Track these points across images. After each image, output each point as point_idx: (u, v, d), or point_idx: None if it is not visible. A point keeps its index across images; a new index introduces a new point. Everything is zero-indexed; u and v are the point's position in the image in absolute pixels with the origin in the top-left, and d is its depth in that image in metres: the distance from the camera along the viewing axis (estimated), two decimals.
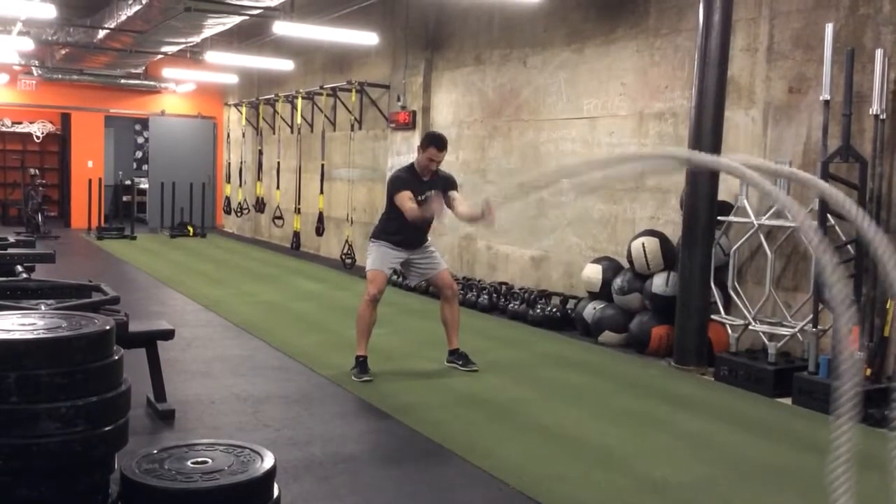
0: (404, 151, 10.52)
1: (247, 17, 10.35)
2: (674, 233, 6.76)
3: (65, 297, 4.18)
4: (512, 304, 8.07)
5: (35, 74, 16.30)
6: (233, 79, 15.76)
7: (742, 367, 5.66)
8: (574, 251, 8.15)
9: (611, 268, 7.15)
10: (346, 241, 11.27)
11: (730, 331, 6.02)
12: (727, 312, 6.19)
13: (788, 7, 6.16)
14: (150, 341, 4.67)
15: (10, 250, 5.81)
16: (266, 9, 9.40)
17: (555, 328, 7.50)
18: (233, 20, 10.30)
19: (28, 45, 12.81)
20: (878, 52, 5.28)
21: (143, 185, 17.99)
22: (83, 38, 12.44)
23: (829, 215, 5.34)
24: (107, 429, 2.51)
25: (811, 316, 5.46)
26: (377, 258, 5.69)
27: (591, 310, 7.12)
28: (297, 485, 3.69)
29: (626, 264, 7.00)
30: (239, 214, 15.61)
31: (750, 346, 6.00)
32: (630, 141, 7.55)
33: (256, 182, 14.75)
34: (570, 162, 6.34)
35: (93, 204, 15.59)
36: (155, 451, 2.63)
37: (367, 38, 10.31)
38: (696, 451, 4.39)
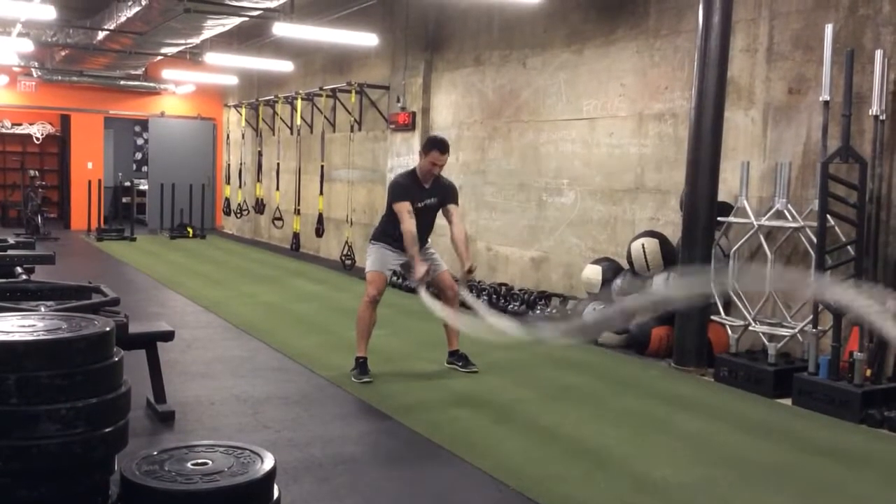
0: (404, 153, 10.52)
1: (246, 19, 10.35)
2: (674, 234, 6.77)
3: (65, 298, 4.18)
4: (512, 306, 8.07)
5: (35, 76, 16.31)
6: (232, 80, 15.76)
7: (742, 367, 5.66)
8: (574, 252, 8.15)
9: (611, 269, 7.15)
10: (346, 242, 11.27)
11: (730, 331, 6.02)
12: (727, 313, 6.18)
13: (788, 8, 6.16)
14: (149, 343, 4.67)
15: (10, 252, 5.80)
16: (266, 10, 9.40)
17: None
18: (232, 21, 10.30)
19: (28, 46, 12.83)
20: (878, 53, 5.28)
21: (143, 186, 17.99)
22: (83, 39, 12.44)
23: (829, 216, 5.34)
24: (107, 430, 2.51)
25: (811, 317, 5.46)
26: (377, 260, 5.69)
27: (591, 310, 7.11)
28: (297, 486, 3.69)
29: (626, 265, 7.00)
30: (238, 216, 15.61)
31: (750, 347, 6.00)
32: (630, 141, 7.55)
33: (256, 183, 14.74)
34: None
35: (92, 205, 15.59)
36: (155, 453, 2.63)
37: (366, 39, 10.31)
38: (696, 452, 4.39)
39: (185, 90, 17.56)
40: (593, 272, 7.22)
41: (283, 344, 6.60)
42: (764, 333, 5.79)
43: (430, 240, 5.90)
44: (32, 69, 16.00)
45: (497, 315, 5.15)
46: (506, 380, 5.73)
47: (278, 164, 13.87)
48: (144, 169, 18.69)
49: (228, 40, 13.97)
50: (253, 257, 13.06)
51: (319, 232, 12.00)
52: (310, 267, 11.91)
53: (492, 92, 9.42)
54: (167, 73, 15.30)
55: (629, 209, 7.54)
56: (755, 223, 5.89)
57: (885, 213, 5.44)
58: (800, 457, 4.37)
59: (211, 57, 12.70)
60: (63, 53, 13.78)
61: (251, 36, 13.52)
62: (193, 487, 2.44)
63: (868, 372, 5.14)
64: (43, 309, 3.59)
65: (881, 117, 5.30)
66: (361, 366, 5.58)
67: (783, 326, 5.82)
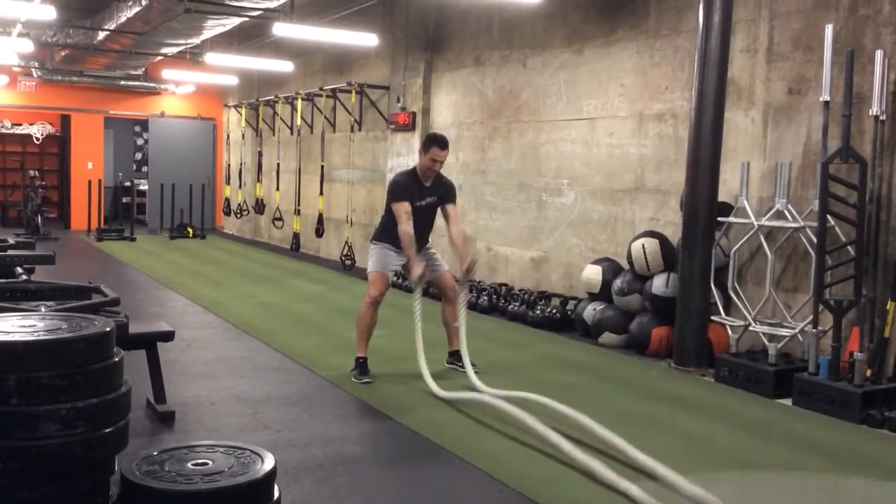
0: (404, 153, 10.52)
1: (246, 19, 10.36)
2: (674, 234, 6.76)
3: (65, 298, 4.18)
4: (512, 306, 8.07)
5: (35, 76, 16.31)
6: (232, 80, 15.77)
7: (742, 368, 5.66)
8: (574, 252, 8.15)
9: (611, 269, 7.15)
10: (346, 242, 11.27)
11: (730, 332, 6.02)
12: (727, 313, 6.19)
13: (788, 8, 6.16)
14: (150, 343, 4.67)
15: (10, 252, 5.80)
16: (266, 10, 9.40)
17: (555, 329, 7.50)
18: (232, 21, 10.31)
19: (28, 46, 12.83)
20: (878, 54, 5.28)
21: (143, 186, 17.99)
22: (83, 39, 12.44)
23: (829, 216, 5.34)
24: (107, 430, 2.51)
25: (811, 317, 5.46)
26: (378, 260, 5.69)
27: (591, 311, 7.12)
28: (298, 486, 3.69)
29: (626, 265, 7.00)
30: (238, 216, 15.61)
31: (750, 347, 6.00)
32: (630, 142, 7.55)
33: (256, 183, 14.75)
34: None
35: (92, 205, 15.59)
36: (155, 453, 2.63)
37: (366, 39, 10.31)
38: (697, 452, 4.39)
39: (185, 90, 17.57)
40: (593, 272, 7.21)
41: (283, 344, 6.60)
42: (764, 334, 5.79)
43: (430, 239, 5.90)
44: (32, 69, 16.00)
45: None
46: (506, 380, 5.72)
47: (278, 164, 13.87)
48: (144, 169, 18.69)
49: (228, 40, 13.97)
50: (253, 257, 13.06)
51: (319, 232, 12.00)
52: (310, 267, 11.91)
53: (492, 92, 9.42)
54: (167, 74, 15.30)
55: (629, 209, 7.54)
56: (755, 223, 5.89)
57: (886, 214, 5.44)
58: (800, 457, 4.37)
59: (211, 57, 12.70)
60: (63, 53, 13.78)
61: (251, 36, 13.53)
62: (194, 488, 2.44)
63: (868, 372, 5.14)
64: (43, 309, 3.59)
65: (881, 117, 5.30)
66: (362, 366, 5.58)
67: (783, 327, 5.82)
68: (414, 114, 10.47)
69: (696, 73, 6.08)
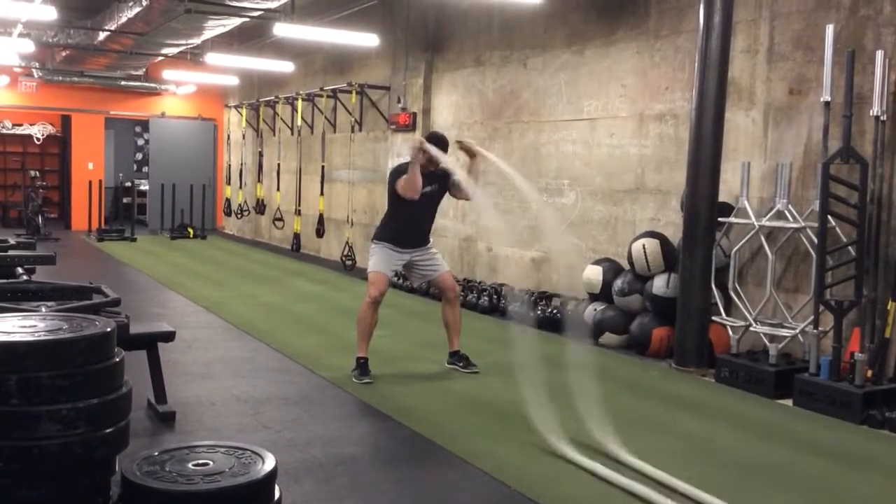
0: (405, 153, 10.51)
1: (247, 19, 10.36)
2: (674, 234, 6.76)
3: (65, 299, 4.18)
4: (512, 306, 8.06)
5: (35, 76, 16.31)
6: (233, 80, 15.77)
7: (743, 368, 5.66)
8: (574, 253, 8.15)
9: (611, 269, 7.15)
10: (347, 242, 11.27)
11: (730, 332, 6.02)
12: (728, 314, 6.18)
13: (789, 8, 6.16)
14: (150, 343, 4.67)
15: (11, 252, 5.80)
16: (266, 10, 9.40)
17: (555, 330, 7.49)
18: (233, 22, 10.31)
19: (29, 46, 12.83)
20: (879, 54, 5.28)
21: (144, 186, 18.00)
22: (84, 39, 12.45)
23: (830, 216, 5.34)
24: (108, 431, 2.51)
25: (812, 317, 5.46)
26: (379, 260, 5.69)
27: (591, 311, 7.11)
28: (298, 486, 3.69)
29: (626, 266, 7.00)
30: (239, 216, 15.61)
31: (751, 348, 6.00)
32: (630, 142, 7.55)
33: (257, 184, 14.75)
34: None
35: (93, 206, 15.60)
36: (156, 453, 2.63)
37: (367, 39, 10.32)
38: (697, 453, 4.39)
39: (185, 91, 17.57)
40: (594, 272, 7.21)
41: (284, 344, 6.60)
42: (765, 334, 5.79)
43: (431, 239, 5.90)
44: (33, 70, 16.01)
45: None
46: (506, 380, 5.71)
47: (279, 164, 13.87)
48: (145, 169, 18.70)
49: (229, 41, 13.98)
50: (253, 258, 13.07)
51: (320, 232, 12.01)
52: (310, 267, 11.91)
53: (492, 92, 9.42)
54: (168, 74, 15.30)
55: (630, 210, 7.54)
56: (756, 224, 5.89)
57: (886, 214, 5.43)
58: (800, 458, 4.37)
59: (211, 57, 12.71)
60: (64, 54, 13.78)
61: (252, 36, 13.53)
62: (194, 488, 2.44)
63: (869, 373, 5.14)
64: (44, 309, 3.59)
65: (882, 118, 5.29)
66: (362, 366, 5.58)
67: (784, 327, 5.81)
68: (414, 114, 10.47)
69: (696, 73, 6.08)
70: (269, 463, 2.57)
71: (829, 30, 5.41)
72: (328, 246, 12.92)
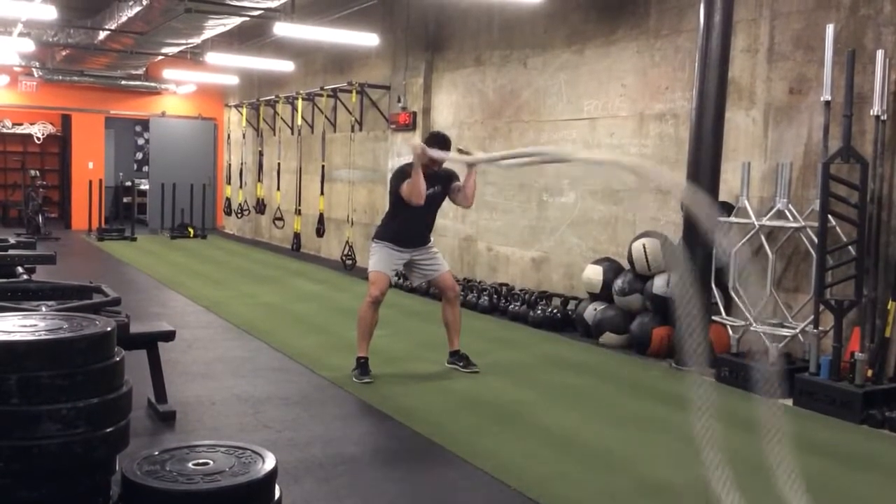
0: (405, 153, 10.51)
1: (247, 19, 10.36)
2: (675, 234, 6.76)
3: (66, 298, 4.18)
4: (512, 306, 8.07)
5: (35, 76, 16.32)
6: (233, 80, 15.77)
7: (743, 368, 5.66)
8: (574, 252, 8.15)
9: (611, 269, 7.14)
10: (347, 242, 11.27)
11: (731, 332, 6.02)
12: (728, 313, 6.18)
13: (789, 8, 6.16)
14: (151, 343, 4.67)
15: (11, 252, 5.80)
16: (266, 10, 9.40)
17: (555, 329, 7.50)
18: (233, 21, 10.31)
19: (29, 46, 12.83)
20: (879, 53, 5.28)
21: (144, 186, 18.00)
22: (84, 39, 12.45)
23: (830, 216, 5.34)
24: (108, 430, 2.51)
25: (812, 317, 5.46)
26: (380, 259, 5.68)
27: (591, 311, 7.12)
28: (298, 486, 3.69)
29: (626, 265, 7.00)
30: (239, 216, 15.61)
31: (751, 347, 6.00)
32: (631, 142, 7.54)
33: (257, 183, 14.75)
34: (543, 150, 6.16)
35: (93, 205, 15.60)
36: (156, 453, 2.63)
37: (367, 39, 10.32)
38: (697, 453, 4.37)
39: (185, 90, 17.57)
40: (594, 272, 7.21)
41: (284, 344, 6.60)
42: (765, 334, 5.79)
43: (431, 239, 5.90)
44: (33, 69, 16.01)
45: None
46: (507, 380, 5.73)
47: (279, 164, 13.88)
48: (145, 169, 18.70)
49: (229, 40, 13.98)
50: (254, 257, 13.07)
51: (320, 232, 12.01)
52: (310, 267, 11.91)
53: (492, 92, 9.42)
54: (168, 73, 15.30)
55: (630, 209, 7.53)
56: (756, 223, 5.89)
57: (887, 214, 5.43)
58: (801, 457, 4.35)
59: (212, 57, 12.70)
60: (64, 53, 13.79)
61: (252, 36, 13.53)
62: (195, 487, 2.44)
63: (869, 372, 5.14)
64: (44, 309, 3.59)
65: (882, 117, 5.29)
66: (362, 366, 5.58)
67: (784, 327, 5.81)
68: (414, 114, 10.47)
69: (696, 72, 6.07)
70: (270, 462, 2.57)
71: (830, 29, 5.41)
72: (328, 245, 12.92)
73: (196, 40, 11.46)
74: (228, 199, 16.35)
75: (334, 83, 12.41)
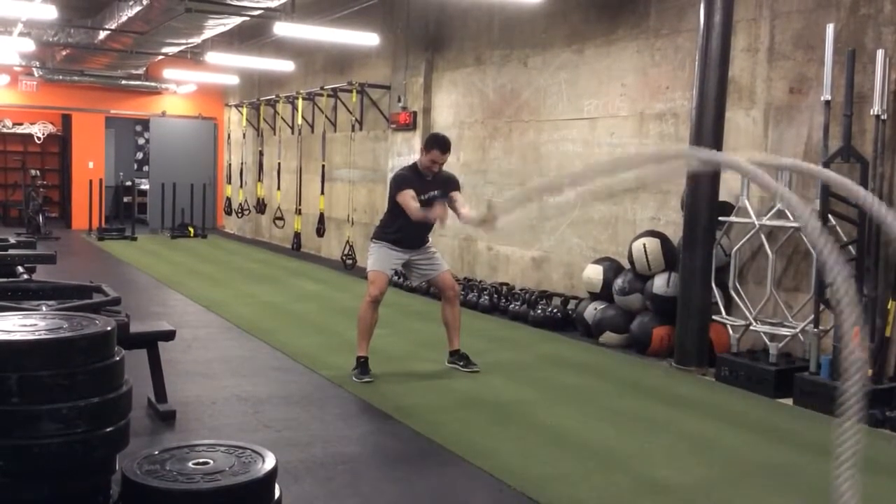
0: (405, 152, 10.52)
1: (247, 18, 10.36)
2: (675, 233, 6.76)
3: (66, 298, 4.18)
4: (513, 305, 8.07)
5: (36, 75, 16.32)
6: (233, 80, 15.77)
7: (743, 367, 5.66)
8: (575, 252, 8.15)
9: (612, 268, 7.14)
10: (347, 242, 11.27)
11: (731, 331, 6.02)
12: (728, 313, 6.18)
13: (789, 7, 6.16)
14: (151, 342, 4.67)
15: (11, 251, 5.81)
16: (267, 9, 9.40)
17: (556, 329, 7.50)
18: (233, 21, 10.31)
19: (29, 46, 12.83)
20: (879, 53, 5.28)
21: (144, 185, 18.00)
22: (84, 39, 12.45)
23: (830, 215, 5.34)
24: (108, 430, 2.51)
25: (812, 316, 5.46)
26: (379, 259, 5.69)
27: (591, 310, 7.12)
28: (298, 486, 3.69)
29: (626, 265, 7.00)
30: (240, 215, 15.61)
31: (751, 347, 6.00)
32: (631, 141, 7.54)
33: (257, 183, 14.75)
34: (580, 168, 6.12)
35: (93, 205, 15.60)
36: (156, 452, 2.63)
37: (367, 38, 10.32)
38: (698, 452, 4.39)
39: (186, 90, 17.58)
40: (594, 272, 7.21)
41: (284, 344, 6.60)
42: (765, 333, 5.79)
43: (430, 238, 5.90)
44: (34, 69, 16.01)
45: None
46: (507, 380, 5.73)
47: (279, 163, 13.88)
48: (145, 168, 18.71)
49: (229, 40, 13.98)
50: (254, 257, 13.07)
51: (320, 232, 12.01)
52: (311, 267, 11.91)
53: (492, 91, 9.42)
54: (168, 73, 15.31)
55: (630, 209, 7.54)
56: (756, 223, 5.89)
57: None
58: (801, 457, 4.37)
59: (212, 56, 12.70)
60: (64, 53, 13.78)
61: (252, 35, 13.53)
62: (195, 487, 2.44)
63: (869, 372, 5.14)
64: (44, 308, 3.60)
65: (882, 117, 5.29)
66: (362, 366, 5.58)
67: (784, 326, 5.81)
68: (415, 113, 10.47)
69: (696, 72, 6.07)
70: (270, 462, 2.57)
71: (830, 29, 5.41)
72: (328, 245, 12.92)
73: (196, 40, 11.46)
74: (229, 199, 16.35)
75: (334, 83, 12.41)
